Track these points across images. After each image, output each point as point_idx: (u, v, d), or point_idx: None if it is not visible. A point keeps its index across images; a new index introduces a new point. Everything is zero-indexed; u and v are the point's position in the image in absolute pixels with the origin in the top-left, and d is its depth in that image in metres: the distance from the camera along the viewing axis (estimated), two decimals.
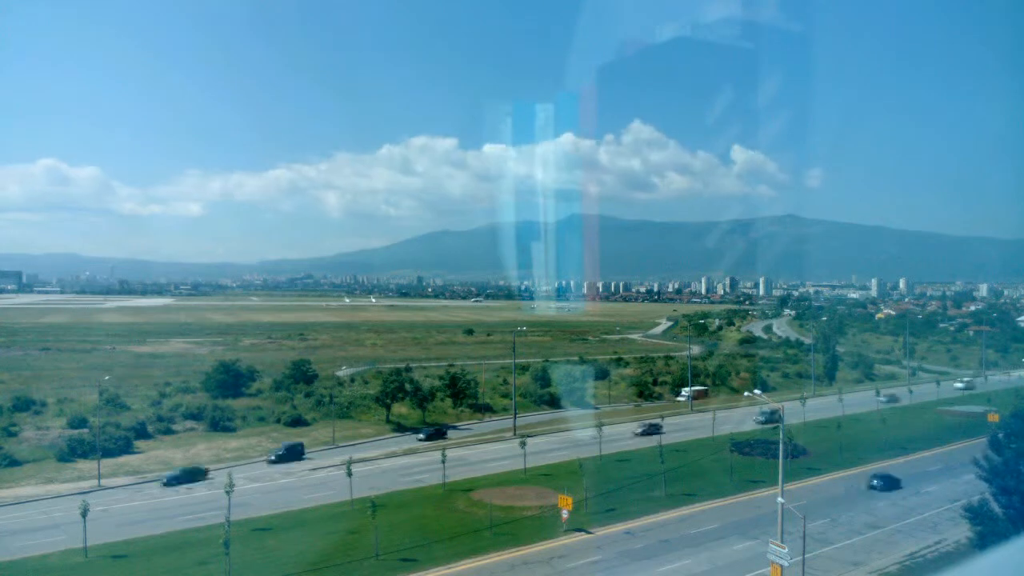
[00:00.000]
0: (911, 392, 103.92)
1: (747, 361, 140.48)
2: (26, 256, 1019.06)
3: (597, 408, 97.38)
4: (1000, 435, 38.78)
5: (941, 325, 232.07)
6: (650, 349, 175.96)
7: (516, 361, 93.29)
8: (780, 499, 36.90)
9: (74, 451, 64.16)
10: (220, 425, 77.57)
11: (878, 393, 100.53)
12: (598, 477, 57.53)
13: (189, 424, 78.21)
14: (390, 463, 66.54)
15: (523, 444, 61.03)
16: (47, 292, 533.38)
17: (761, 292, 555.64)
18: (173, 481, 58.13)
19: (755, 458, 66.07)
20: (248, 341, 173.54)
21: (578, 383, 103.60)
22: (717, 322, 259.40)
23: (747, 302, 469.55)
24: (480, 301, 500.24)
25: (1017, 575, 8.41)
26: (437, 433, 77.67)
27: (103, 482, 57.39)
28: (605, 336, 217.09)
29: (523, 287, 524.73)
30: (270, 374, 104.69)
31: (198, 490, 56.69)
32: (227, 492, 44.01)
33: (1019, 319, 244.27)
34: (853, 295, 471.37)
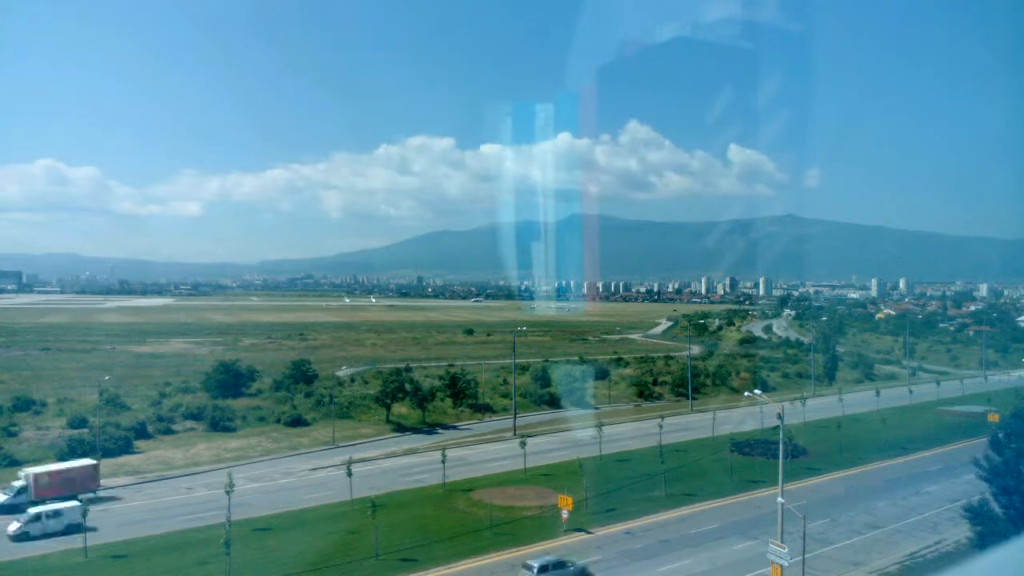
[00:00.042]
0: (911, 392, 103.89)
1: (747, 361, 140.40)
2: (26, 256, 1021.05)
3: (597, 408, 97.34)
4: (1000, 435, 38.87)
5: (941, 325, 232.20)
6: (650, 349, 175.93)
7: (516, 361, 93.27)
8: (780, 499, 36.93)
9: (74, 451, 63.94)
10: (220, 425, 77.55)
11: (878, 393, 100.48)
12: (598, 477, 57.51)
13: (189, 424, 78.23)
14: (390, 463, 66.56)
15: (523, 444, 61.03)
16: (47, 292, 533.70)
17: (761, 292, 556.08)
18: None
19: (755, 458, 66.09)
20: (248, 341, 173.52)
21: (578, 383, 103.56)
22: (717, 322, 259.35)
23: (747, 302, 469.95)
24: (480, 301, 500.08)
25: (1017, 575, 8.41)
26: None
27: (103, 482, 57.36)
28: (605, 336, 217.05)
29: (523, 287, 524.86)
30: (270, 374, 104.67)
31: (198, 490, 56.73)
32: (227, 492, 43.99)
33: (1019, 319, 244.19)
34: (853, 295, 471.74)
